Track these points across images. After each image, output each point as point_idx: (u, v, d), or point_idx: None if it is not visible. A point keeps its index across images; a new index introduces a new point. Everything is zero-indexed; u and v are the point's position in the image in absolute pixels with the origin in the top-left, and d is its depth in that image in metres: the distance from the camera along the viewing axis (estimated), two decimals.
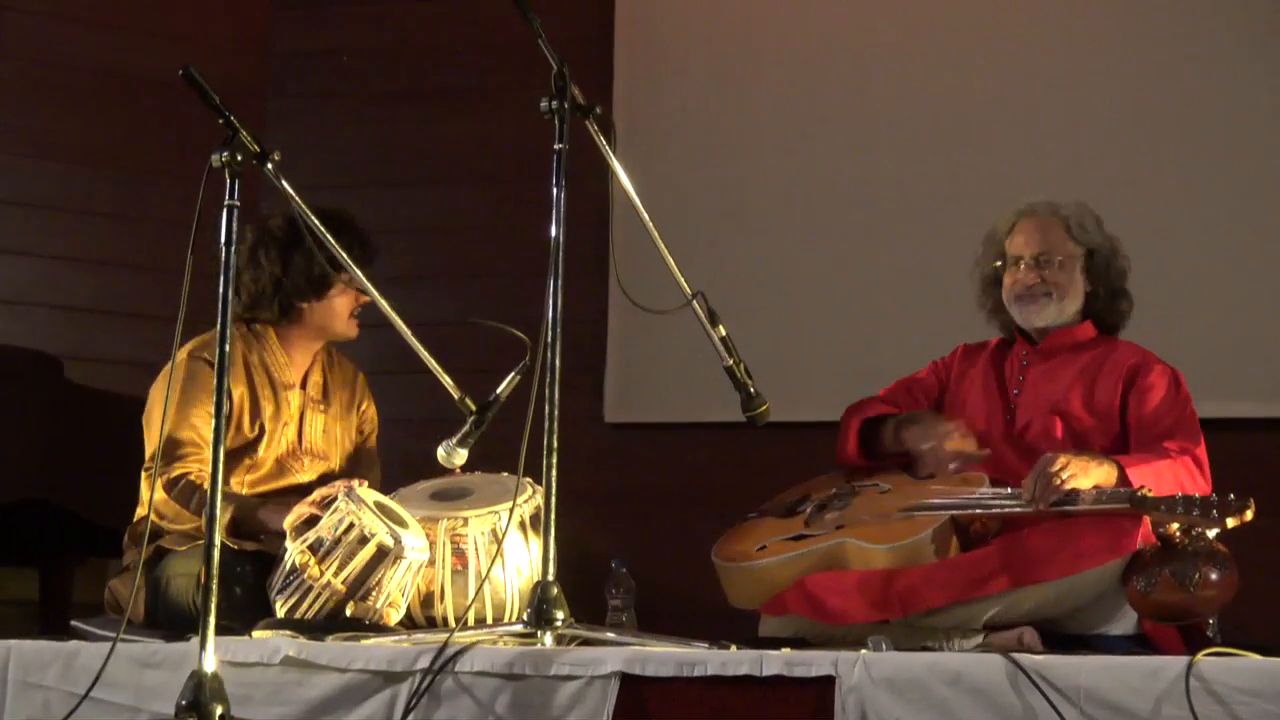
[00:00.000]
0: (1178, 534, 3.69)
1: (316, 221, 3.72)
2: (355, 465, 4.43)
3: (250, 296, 4.27)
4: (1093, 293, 4.21)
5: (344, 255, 3.76)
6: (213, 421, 4.03)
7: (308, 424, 4.35)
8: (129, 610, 3.82)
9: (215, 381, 3.33)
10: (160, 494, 4.09)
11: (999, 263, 4.25)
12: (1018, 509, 3.86)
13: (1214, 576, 3.63)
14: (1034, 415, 4.15)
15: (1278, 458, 5.21)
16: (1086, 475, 3.82)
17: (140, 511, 4.26)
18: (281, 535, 3.93)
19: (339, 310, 4.33)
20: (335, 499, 3.87)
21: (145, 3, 6.08)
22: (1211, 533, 3.65)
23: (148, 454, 4.24)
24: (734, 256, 5.69)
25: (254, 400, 4.28)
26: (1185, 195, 5.44)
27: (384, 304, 3.80)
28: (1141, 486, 3.74)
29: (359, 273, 3.83)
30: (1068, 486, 3.79)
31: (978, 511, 3.93)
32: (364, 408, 4.49)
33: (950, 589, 3.77)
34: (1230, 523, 3.61)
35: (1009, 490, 3.92)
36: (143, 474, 4.26)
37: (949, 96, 5.67)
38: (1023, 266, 4.18)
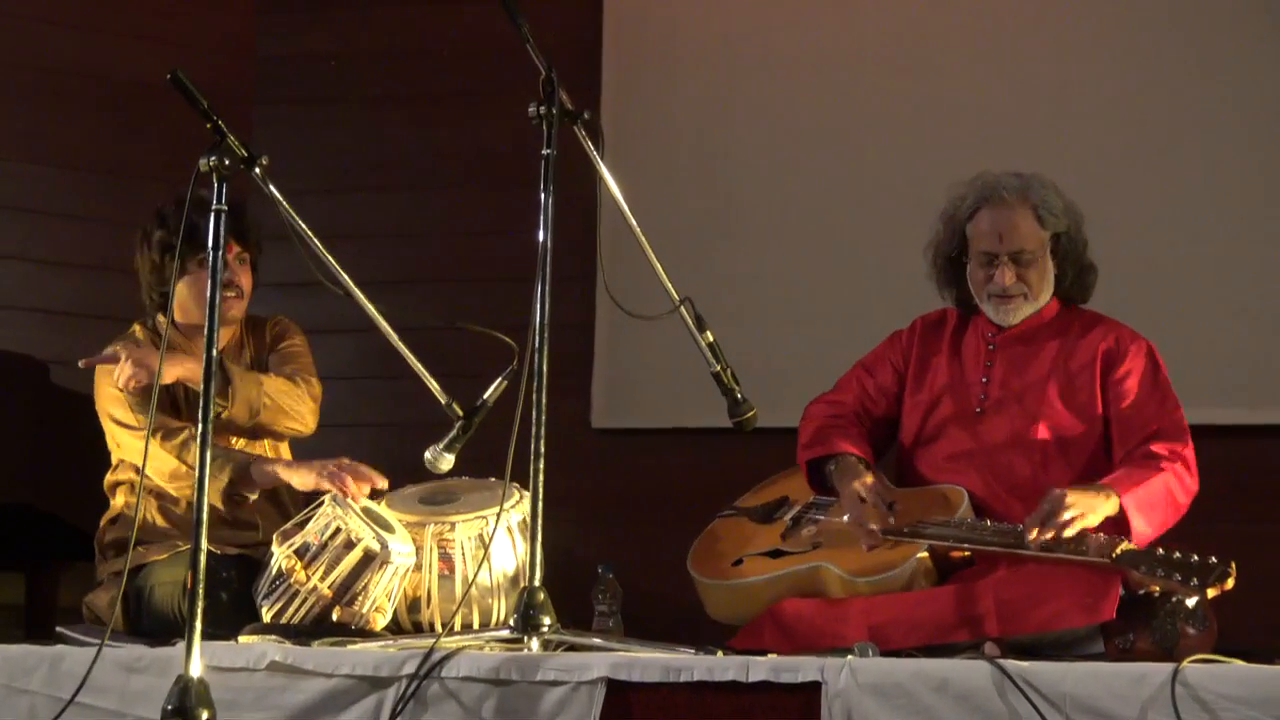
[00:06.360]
0: (1156, 590, 3.63)
1: (304, 227, 3.70)
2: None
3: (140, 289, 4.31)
4: (1060, 274, 4.09)
5: (329, 255, 3.74)
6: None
7: None
8: (113, 617, 3.81)
9: (202, 400, 3.32)
10: (173, 460, 4.12)
11: (960, 249, 4.11)
12: (998, 549, 3.79)
13: (1192, 632, 3.60)
14: (1008, 415, 4.05)
15: (1267, 465, 5.23)
16: (1095, 513, 3.72)
17: (104, 521, 4.26)
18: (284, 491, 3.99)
19: (192, 291, 4.25)
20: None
21: (131, 7, 6.06)
22: (1190, 601, 3.59)
23: (114, 456, 4.29)
24: (721, 262, 5.68)
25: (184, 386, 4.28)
26: (1174, 202, 5.44)
27: (370, 309, 3.79)
28: (1124, 541, 3.67)
29: (346, 278, 3.81)
30: (1073, 530, 3.69)
31: (956, 544, 3.87)
32: (282, 344, 4.45)
33: (922, 633, 3.71)
34: (1211, 593, 3.51)
35: (990, 525, 3.84)
36: (107, 478, 4.31)
37: (934, 102, 5.67)
38: (998, 265, 4.04)
